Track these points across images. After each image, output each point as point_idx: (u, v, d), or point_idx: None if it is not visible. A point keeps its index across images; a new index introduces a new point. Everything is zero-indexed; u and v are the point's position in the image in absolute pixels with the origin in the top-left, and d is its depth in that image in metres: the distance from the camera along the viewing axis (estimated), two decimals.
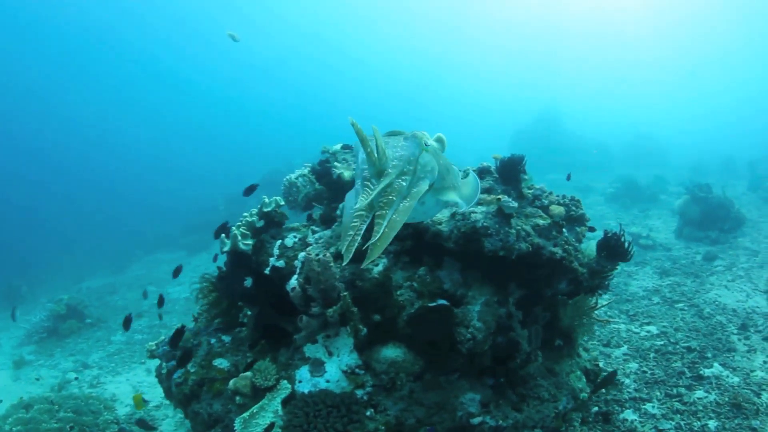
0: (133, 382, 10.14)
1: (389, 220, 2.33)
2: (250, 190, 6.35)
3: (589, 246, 5.35)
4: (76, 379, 10.45)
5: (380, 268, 4.93)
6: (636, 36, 67.07)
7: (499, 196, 4.34)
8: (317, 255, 4.81)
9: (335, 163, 6.06)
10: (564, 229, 4.95)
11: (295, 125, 66.94)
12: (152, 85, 67.82)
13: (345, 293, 4.73)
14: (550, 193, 5.25)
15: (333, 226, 5.53)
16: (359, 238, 2.39)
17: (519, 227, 4.55)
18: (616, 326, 9.10)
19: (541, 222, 4.80)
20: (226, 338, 5.22)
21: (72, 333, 13.86)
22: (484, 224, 4.38)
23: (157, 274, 20.59)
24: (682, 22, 62.72)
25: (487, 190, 4.83)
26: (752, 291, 10.18)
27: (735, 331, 8.55)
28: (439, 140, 3.01)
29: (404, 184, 2.43)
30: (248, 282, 5.15)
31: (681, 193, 20.13)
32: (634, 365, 7.78)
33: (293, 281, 4.83)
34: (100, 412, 7.01)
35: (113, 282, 20.41)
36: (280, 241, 5.43)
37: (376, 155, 2.33)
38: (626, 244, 5.02)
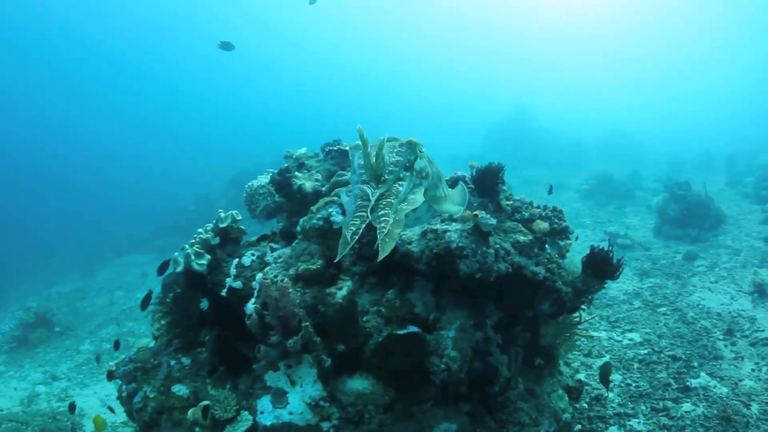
0: (101, 395, 9.89)
1: (393, 220, 2.36)
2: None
3: (573, 260, 4.91)
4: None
5: (344, 292, 4.43)
6: (609, 33, 67.34)
7: (476, 212, 3.85)
8: (275, 278, 4.33)
9: (296, 173, 5.55)
10: (546, 245, 4.48)
11: (267, 124, 65.98)
12: (122, 83, 66.37)
13: (306, 323, 4.24)
14: (531, 204, 4.78)
15: (293, 243, 5.01)
16: (363, 225, 2.36)
17: (498, 245, 4.08)
18: (596, 333, 8.73)
19: (521, 238, 4.34)
20: (186, 360, 4.93)
21: (41, 342, 13.68)
22: (460, 244, 3.90)
23: (126, 279, 20.10)
24: (658, 19, 63.18)
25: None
26: (736, 293, 9.94)
27: (721, 337, 8.31)
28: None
29: (401, 189, 2.46)
30: (204, 304, 4.91)
31: (658, 189, 20.05)
32: (617, 377, 7.44)
33: (250, 306, 4.48)
34: (67, 430, 6.77)
35: (83, 287, 19.99)
36: (237, 259, 5.09)
37: (374, 159, 2.35)
38: (614, 261, 4.57)
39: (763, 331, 8.38)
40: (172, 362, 4.91)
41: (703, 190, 14.17)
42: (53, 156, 55.06)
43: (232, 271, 4.99)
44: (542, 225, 4.37)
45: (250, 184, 6.62)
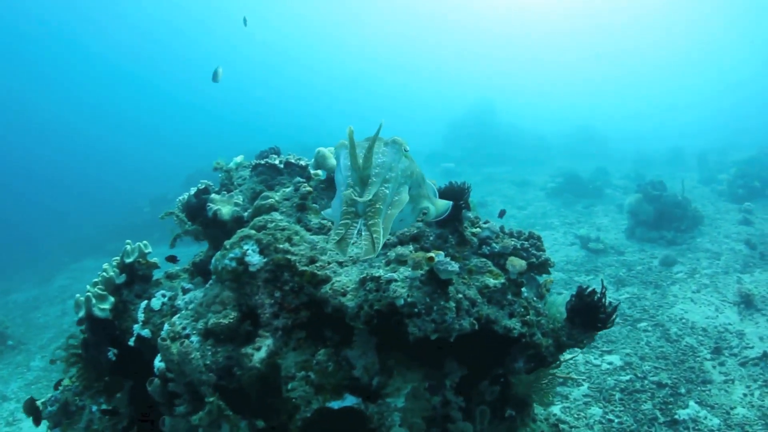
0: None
1: (382, 226, 2.14)
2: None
3: (555, 301, 3.94)
4: None
5: (262, 354, 3.39)
6: (574, 29, 67.29)
7: (431, 254, 2.84)
8: (178, 334, 3.35)
9: (212, 195, 4.47)
10: (524, 288, 3.50)
11: (229, 122, 64.04)
12: (81, 77, 63.53)
13: (211, 399, 3.20)
14: (503, 233, 3.79)
15: (207, 285, 3.95)
16: (353, 231, 2.13)
17: (460, 295, 3.07)
18: (571, 355, 7.86)
19: (491, 282, 3.34)
20: (108, 406, 4.48)
21: None
22: (409, 299, 2.88)
23: (80, 286, 18.67)
24: (625, 17, 63.24)
25: (413, 238, 3.33)
26: (721, 303, 9.21)
27: (708, 356, 7.64)
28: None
29: (387, 192, 2.27)
30: (111, 355, 4.43)
31: (628, 187, 19.46)
32: (597, 410, 6.63)
33: (157, 363, 3.78)
34: None
35: (38, 295, 18.88)
36: (146, 301, 4.47)
37: (360, 162, 2.21)
38: (607, 306, 3.62)
39: (752, 347, 7.75)
40: (94, 408, 4.50)
41: (681, 189, 13.47)
42: (3, 153, 52.40)
43: (140, 316, 4.40)
44: (518, 263, 3.39)
45: (180, 198, 5.63)
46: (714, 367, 7.35)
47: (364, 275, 3.05)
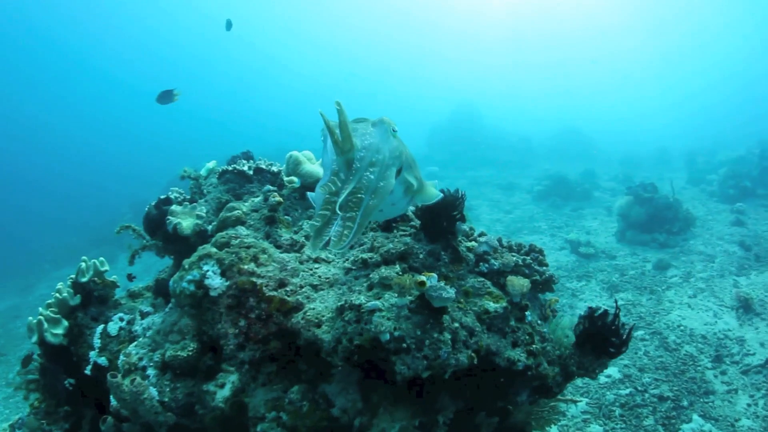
0: None
1: (357, 223, 2.02)
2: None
3: (560, 323, 3.49)
4: None
5: (226, 392, 2.92)
6: (559, 32, 67.21)
7: (422, 278, 2.38)
8: (131, 366, 3.23)
9: (173, 207, 3.97)
10: (527, 312, 3.05)
11: (212, 124, 63.03)
12: (61, 80, 62.15)
13: None
14: (501, 246, 3.33)
15: (166, 309, 3.46)
16: (331, 225, 2.03)
17: (456, 324, 2.60)
18: None
19: (491, 306, 2.89)
20: None
21: None
22: (396, 333, 2.40)
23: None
24: (607, 17, 63.18)
25: (400, 257, 2.84)
26: (719, 308, 8.94)
27: (709, 365, 7.41)
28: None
29: (372, 177, 2.14)
30: (67, 384, 4.06)
31: (616, 189, 19.19)
32: (597, 428, 6.27)
33: (113, 400, 3.25)
34: None
35: (19, 303, 18.41)
36: (103, 326, 4.04)
37: (342, 144, 2.08)
38: (621, 330, 3.18)
39: (753, 354, 7.53)
40: None
41: (671, 191, 13.14)
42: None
43: (96, 342, 3.98)
44: (520, 283, 2.94)
45: (151, 204, 5.13)
46: (716, 376, 7.13)
47: (342, 302, 2.57)
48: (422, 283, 2.37)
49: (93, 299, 4.31)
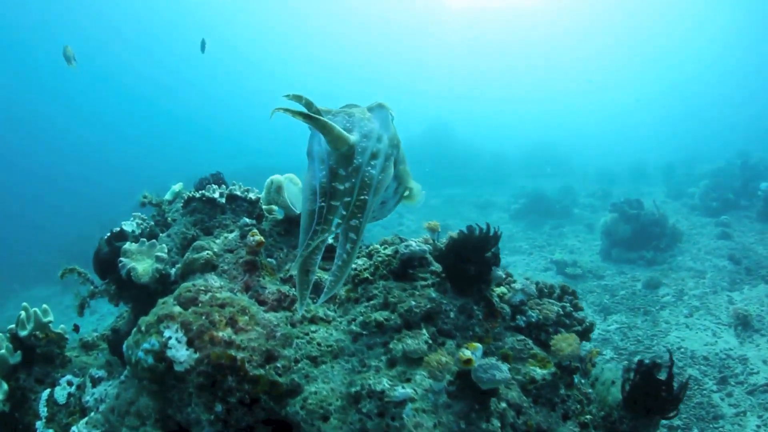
0: None
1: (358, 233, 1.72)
2: None
3: (602, 377, 2.90)
4: None
5: None
6: (529, 45, 67.68)
7: (468, 355, 1.74)
8: None
9: (127, 245, 3.24)
10: (576, 375, 2.43)
11: (183, 143, 61.31)
12: (28, 91, 59.72)
13: None
14: (538, 290, 2.70)
15: (122, 377, 2.74)
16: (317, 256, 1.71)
17: (503, 404, 1.96)
18: None
19: (537, 373, 2.27)
20: None
21: None
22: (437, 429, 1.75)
23: None
24: (578, 29, 63.77)
25: (426, 317, 2.16)
26: (717, 327, 8.56)
27: (715, 388, 7.10)
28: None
29: (374, 172, 1.79)
30: None
31: (595, 206, 18.84)
32: None
33: None
34: None
35: None
36: (49, 390, 3.52)
37: (335, 132, 1.68)
38: (674, 385, 2.63)
39: (757, 372, 7.28)
40: None
41: (655, 207, 12.78)
42: None
43: (43, 410, 3.47)
44: (570, 345, 2.31)
45: (102, 241, 4.42)
46: (722, 399, 6.84)
47: (358, 388, 1.90)
48: (468, 361, 1.75)
49: (36, 357, 3.70)
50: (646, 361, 2.83)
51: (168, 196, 5.32)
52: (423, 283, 2.36)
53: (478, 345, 1.84)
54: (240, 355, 2.09)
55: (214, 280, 2.61)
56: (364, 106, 2.12)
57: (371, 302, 2.41)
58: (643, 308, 9.72)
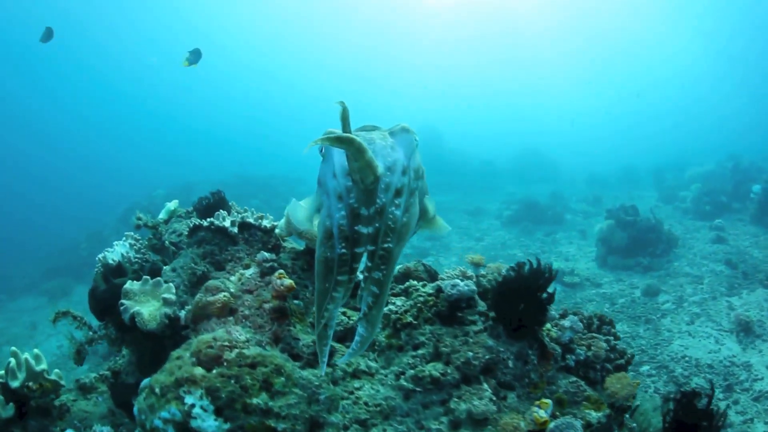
0: None
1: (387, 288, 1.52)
2: None
3: (642, 408, 2.75)
4: None
5: None
6: (514, 47, 67.80)
7: (542, 415, 1.55)
8: None
9: (128, 285, 2.92)
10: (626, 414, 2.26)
11: (168, 147, 60.24)
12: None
13: None
14: (585, 324, 2.53)
15: None
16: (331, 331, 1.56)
17: None
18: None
19: (593, 416, 2.10)
20: None
21: None
22: None
23: (15, 330, 16.43)
24: (566, 29, 63.87)
25: (485, 369, 1.93)
26: (719, 334, 8.56)
27: (721, 396, 7.01)
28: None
29: (398, 212, 1.53)
30: None
31: (588, 211, 18.81)
32: None
33: None
34: None
35: None
36: None
37: (367, 158, 1.35)
38: (714, 412, 2.52)
39: (762, 378, 7.33)
40: None
41: (652, 215, 12.72)
42: None
43: None
44: (621, 385, 2.16)
45: (102, 256, 4.10)
46: (729, 407, 6.78)
47: None
48: (544, 423, 1.56)
49: (31, 410, 3.32)
50: (685, 389, 2.75)
51: (163, 215, 4.98)
52: (475, 328, 2.14)
53: (549, 402, 1.66)
54: (280, 426, 1.83)
55: (238, 333, 2.31)
56: (385, 127, 1.85)
57: (419, 351, 2.18)
58: (644, 317, 9.66)
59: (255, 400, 1.96)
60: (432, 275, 3.07)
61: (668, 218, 15.13)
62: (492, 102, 62.31)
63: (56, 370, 3.49)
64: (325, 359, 1.54)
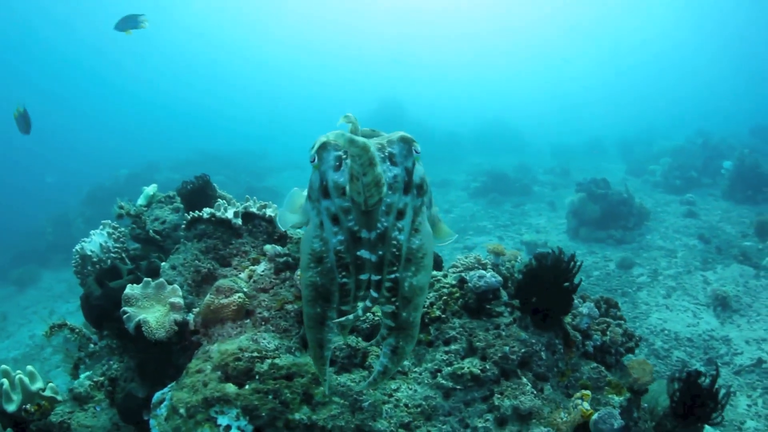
0: None
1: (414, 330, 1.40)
2: None
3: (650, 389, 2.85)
4: None
5: None
6: (477, 20, 67.38)
7: (587, 408, 1.58)
8: None
9: (129, 290, 2.75)
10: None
11: (129, 121, 58.08)
12: None
13: None
14: (601, 310, 2.58)
15: None
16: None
17: None
18: None
19: (615, 400, 2.20)
20: None
21: None
22: None
23: None
24: (526, 12, 63.68)
25: (522, 364, 1.90)
26: (696, 307, 8.75)
27: (702, 370, 7.22)
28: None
29: (402, 238, 1.37)
30: None
31: (556, 182, 19.01)
32: None
33: None
34: None
35: None
36: None
37: (377, 173, 1.24)
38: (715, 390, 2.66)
39: (741, 353, 7.50)
40: None
41: (625, 189, 12.96)
42: None
43: None
44: (643, 371, 2.23)
45: (79, 247, 4.00)
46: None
47: None
48: (590, 415, 1.60)
49: None
50: (689, 370, 2.86)
51: (141, 201, 4.81)
52: (504, 320, 2.15)
53: (589, 393, 1.70)
54: None
55: (266, 340, 2.19)
56: (383, 134, 1.72)
57: (451, 346, 2.16)
58: (620, 290, 9.83)
59: (297, 416, 1.90)
60: (436, 262, 3.06)
61: (638, 191, 15.40)
62: (453, 74, 62.02)
63: (51, 385, 3.36)
64: (327, 378, 1.49)
